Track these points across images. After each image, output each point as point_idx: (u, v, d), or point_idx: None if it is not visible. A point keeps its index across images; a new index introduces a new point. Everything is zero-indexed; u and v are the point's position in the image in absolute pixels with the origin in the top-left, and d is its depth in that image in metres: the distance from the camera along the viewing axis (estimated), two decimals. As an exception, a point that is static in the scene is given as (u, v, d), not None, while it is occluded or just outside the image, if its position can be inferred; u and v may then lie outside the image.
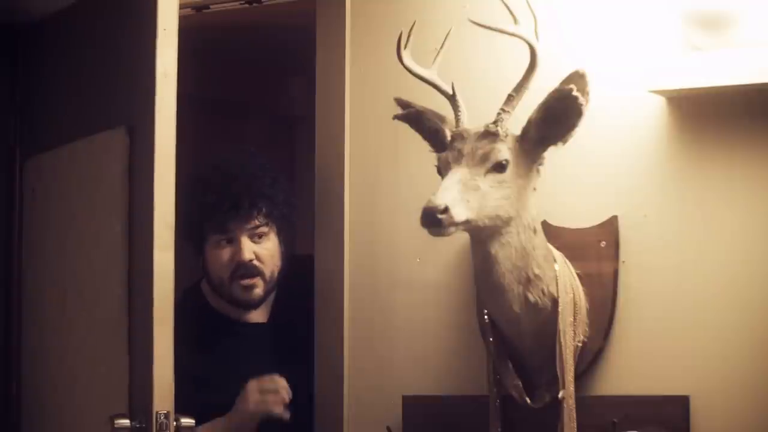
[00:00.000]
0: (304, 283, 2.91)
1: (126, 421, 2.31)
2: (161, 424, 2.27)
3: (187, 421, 2.33)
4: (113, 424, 2.30)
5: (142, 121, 2.40)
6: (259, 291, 2.92)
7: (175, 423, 2.30)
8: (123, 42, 2.55)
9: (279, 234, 2.96)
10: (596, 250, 2.53)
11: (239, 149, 3.04)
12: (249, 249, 2.89)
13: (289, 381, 2.86)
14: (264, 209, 2.90)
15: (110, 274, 2.53)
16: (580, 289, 2.51)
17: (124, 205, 2.50)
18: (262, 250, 2.91)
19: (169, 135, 2.37)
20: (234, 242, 2.89)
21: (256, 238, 2.90)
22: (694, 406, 2.42)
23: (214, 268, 2.92)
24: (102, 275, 2.58)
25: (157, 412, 2.27)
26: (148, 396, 2.28)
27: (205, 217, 2.87)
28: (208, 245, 2.92)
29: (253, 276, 2.90)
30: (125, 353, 2.44)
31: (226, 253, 2.90)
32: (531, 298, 2.40)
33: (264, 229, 2.91)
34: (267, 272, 2.92)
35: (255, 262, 2.90)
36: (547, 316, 2.43)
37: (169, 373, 2.31)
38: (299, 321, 2.93)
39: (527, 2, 2.32)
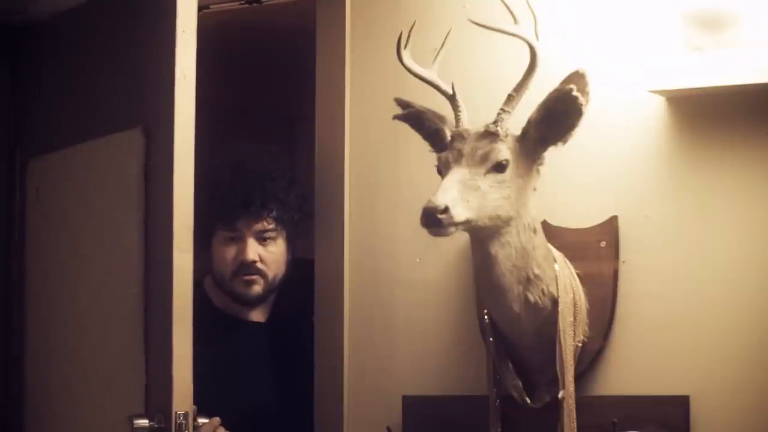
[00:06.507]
0: (303, 286, 2.90)
1: (145, 421, 2.30)
2: (180, 424, 2.26)
3: (205, 421, 2.34)
4: (132, 424, 2.29)
5: (160, 122, 2.40)
6: (257, 288, 2.91)
7: (193, 423, 2.30)
8: (138, 43, 2.55)
9: (288, 240, 2.95)
10: (596, 250, 2.53)
11: (262, 148, 3.03)
12: (254, 250, 2.88)
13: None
14: (274, 212, 2.89)
15: (125, 273, 2.53)
16: (580, 289, 2.51)
17: (139, 205, 2.50)
18: (267, 253, 2.90)
19: (188, 137, 2.38)
20: (240, 241, 2.89)
21: (263, 240, 2.90)
22: (694, 406, 2.42)
23: (218, 263, 2.92)
24: (116, 274, 2.58)
25: (176, 413, 2.27)
26: (167, 396, 2.28)
27: (215, 211, 2.85)
28: (215, 239, 2.91)
29: (253, 274, 2.90)
30: (141, 353, 2.43)
31: (231, 250, 2.90)
32: (531, 298, 2.41)
33: (272, 233, 2.90)
34: (269, 274, 2.91)
35: (258, 264, 2.89)
36: (547, 316, 2.43)
37: (188, 374, 2.31)
38: (297, 321, 2.93)
39: (527, 2, 2.32)
